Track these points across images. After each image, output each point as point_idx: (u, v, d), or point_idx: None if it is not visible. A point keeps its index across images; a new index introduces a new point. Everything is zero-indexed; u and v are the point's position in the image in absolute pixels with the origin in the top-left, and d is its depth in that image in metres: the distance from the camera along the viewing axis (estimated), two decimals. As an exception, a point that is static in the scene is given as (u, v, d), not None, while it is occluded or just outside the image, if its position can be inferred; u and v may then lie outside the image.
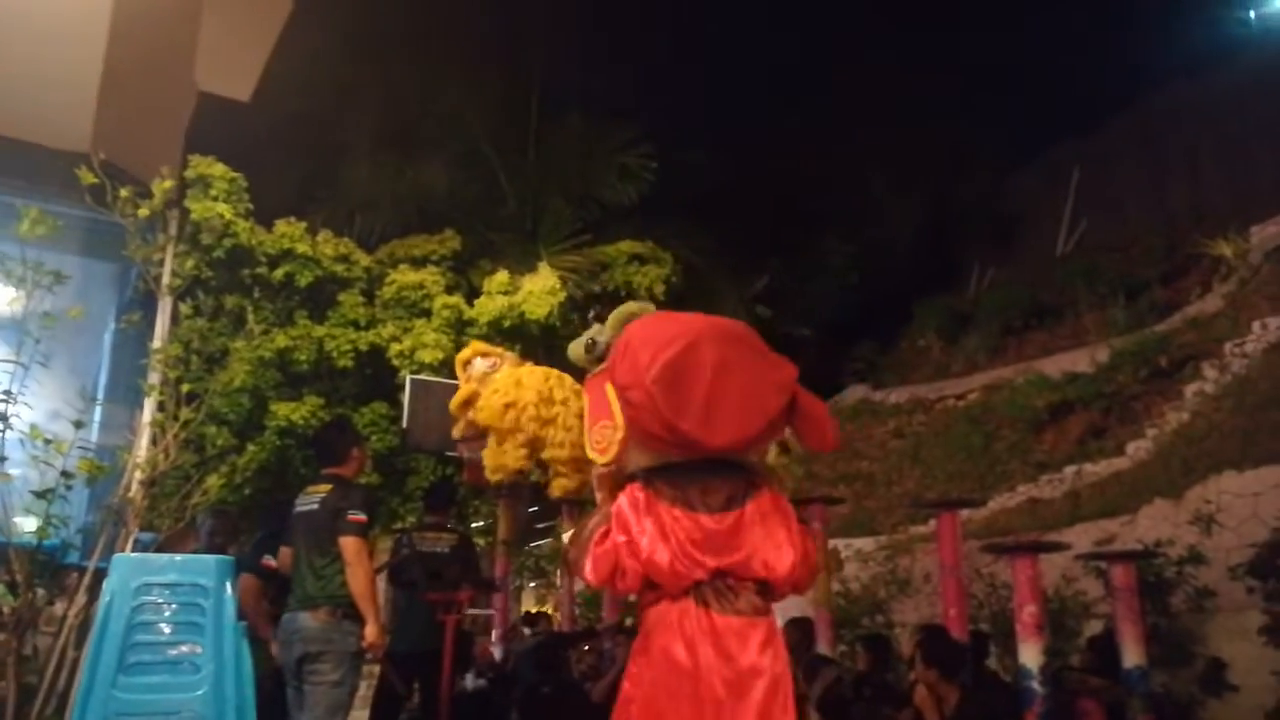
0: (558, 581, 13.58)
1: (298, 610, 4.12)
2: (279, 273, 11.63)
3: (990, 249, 20.25)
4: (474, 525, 13.12)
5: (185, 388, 3.68)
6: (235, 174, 11.08)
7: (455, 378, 11.66)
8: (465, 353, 8.28)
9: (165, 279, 3.95)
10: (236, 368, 10.07)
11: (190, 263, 6.80)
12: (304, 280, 11.77)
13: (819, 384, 18.62)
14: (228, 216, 10.79)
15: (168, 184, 3.66)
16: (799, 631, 6.49)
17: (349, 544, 3.97)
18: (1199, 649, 6.89)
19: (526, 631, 9.60)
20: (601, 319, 5.15)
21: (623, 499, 2.97)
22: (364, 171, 14.29)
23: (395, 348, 11.92)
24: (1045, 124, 19.58)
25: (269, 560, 4.63)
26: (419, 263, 13.16)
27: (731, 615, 2.82)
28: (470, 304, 12.75)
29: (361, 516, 4.05)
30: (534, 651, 6.49)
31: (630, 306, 5.96)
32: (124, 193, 3.49)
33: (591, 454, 3.45)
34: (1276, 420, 8.87)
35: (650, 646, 2.88)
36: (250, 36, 7.28)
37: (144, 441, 3.87)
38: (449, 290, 12.71)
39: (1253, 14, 17.92)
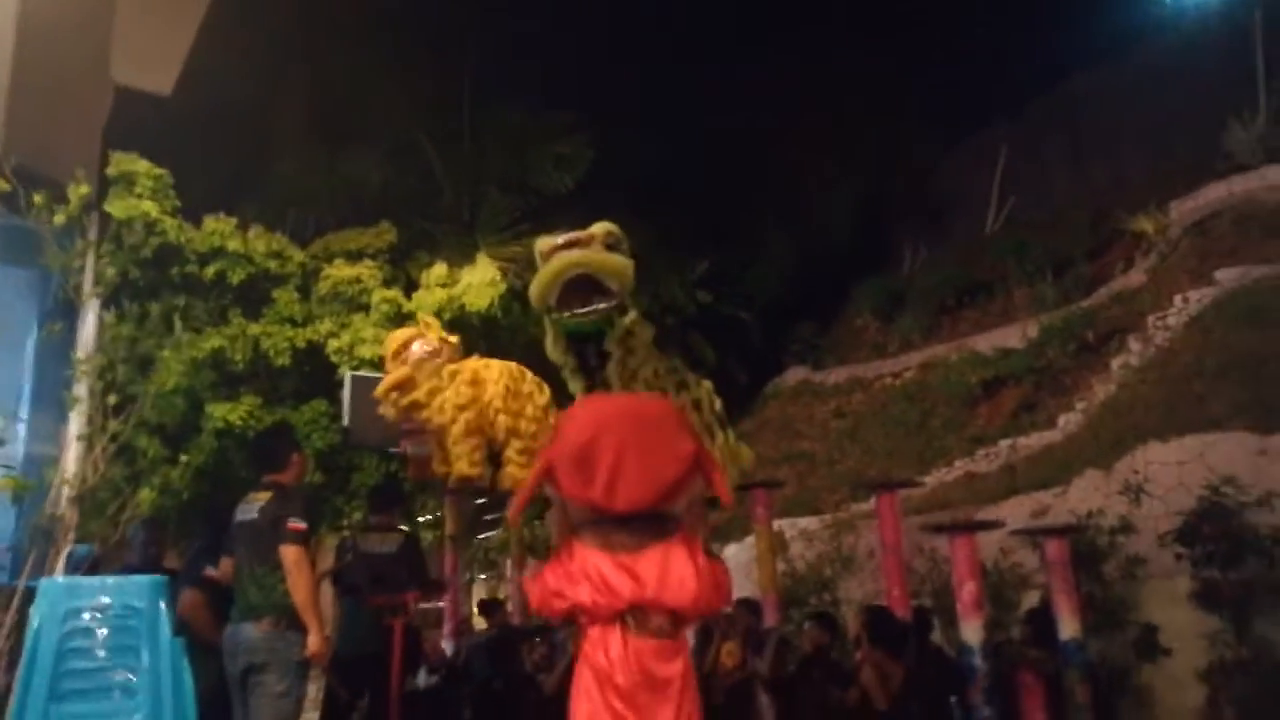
0: (508, 573, 13.57)
1: (241, 621, 4.07)
2: (210, 270, 11.31)
3: (922, 230, 20.66)
4: (420, 520, 13.02)
5: (112, 399, 3.58)
6: (160, 170, 10.73)
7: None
8: (400, 334, 7.70)
9: (86, 286, 3.83)
10: (169, 370, 9.82)
11: (112, 269, 6.60)
12: (236, 277, 11.47)
13: (760, 366, 18.91)
14: (154, 214, 10.46)
15: (84, 189, 3.56)
16: (747, 610, 6.59)
17: (289, 553, 3.93)
18: (1132, 616, 7.16)
19: (483, 622, 9.54)
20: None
21: (562, 544, 3.79)
22: (295, 164, 13.98)
23: (333, 344, 11.70)
24: (973, 108, 19.97)
25: (210, 571, 4.55)
26: (355, 257, 12.92)
27: (647, 637, 3.53)
28: (409, 297, 12.60)
29: (301, 525, 4.01)
30: (486, 646, 6.49)
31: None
32: (38, 199, 3.38)
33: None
34: (1198, 391, 9.21)
35: (587, 657, 3.62)
36: (169, 27, 7.07)
37: (71, 456, 3.77)
38: (386, 284, 12.52)
39: (1168, -1, 18.43)
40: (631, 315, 4.66)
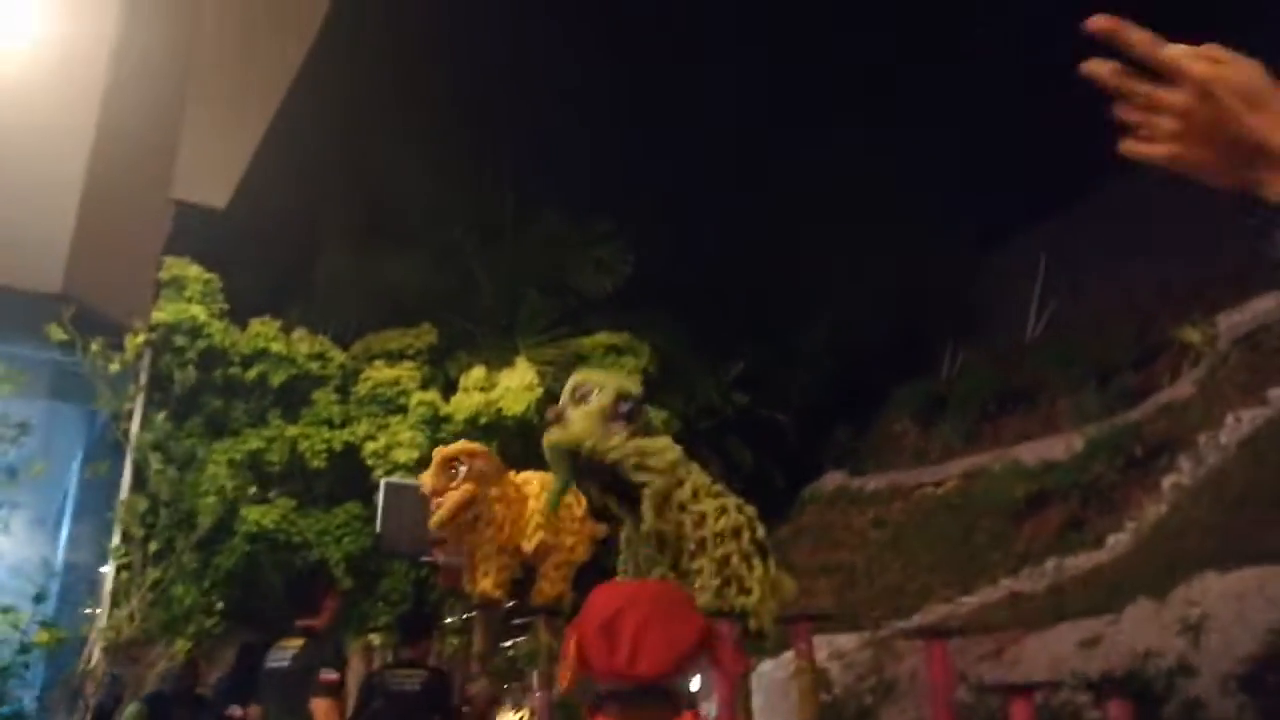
0: (534, 683, 13.22)
1: None
2: (252, 373, 11.50)
3: (961, 333, 20.50)
4: (448, 620, 12.81)
5: (153, 546, 3.54)
6: (209, 275, 11.02)
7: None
8: (446, 450, 8.19)
9: (134, 430, 3.84)
10: (213, 470, 9.90)
11: (161, 415, 6.68)
12: (277, 379, 11.64)
13: (797, 469, 18.63)
14: (202, 318, 10.69)
15: (140, 338, 3.57)
16: None
17: (319, 706, 3.84)
18: (1192, 765, 6.77)
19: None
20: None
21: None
22: (340, 267, 14.28)
23: (370, 446, 11.74)
24: (1013, 209, 20.00)
25: (235, 711, 4.45)
26: (395, 357, 13.07)
27: None
28: (446, 398, 12.66)
29: (334, 676, 3.93)
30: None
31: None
32: (95, 346, 3.40)
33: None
34: (1253, 518, 8.89)
35: None
36: (230, 143, 7.24)
37: (106, 608, 3.71)
38: (424, 385, 12.61)
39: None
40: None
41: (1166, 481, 11.28)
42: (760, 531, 6.71)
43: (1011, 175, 19.91)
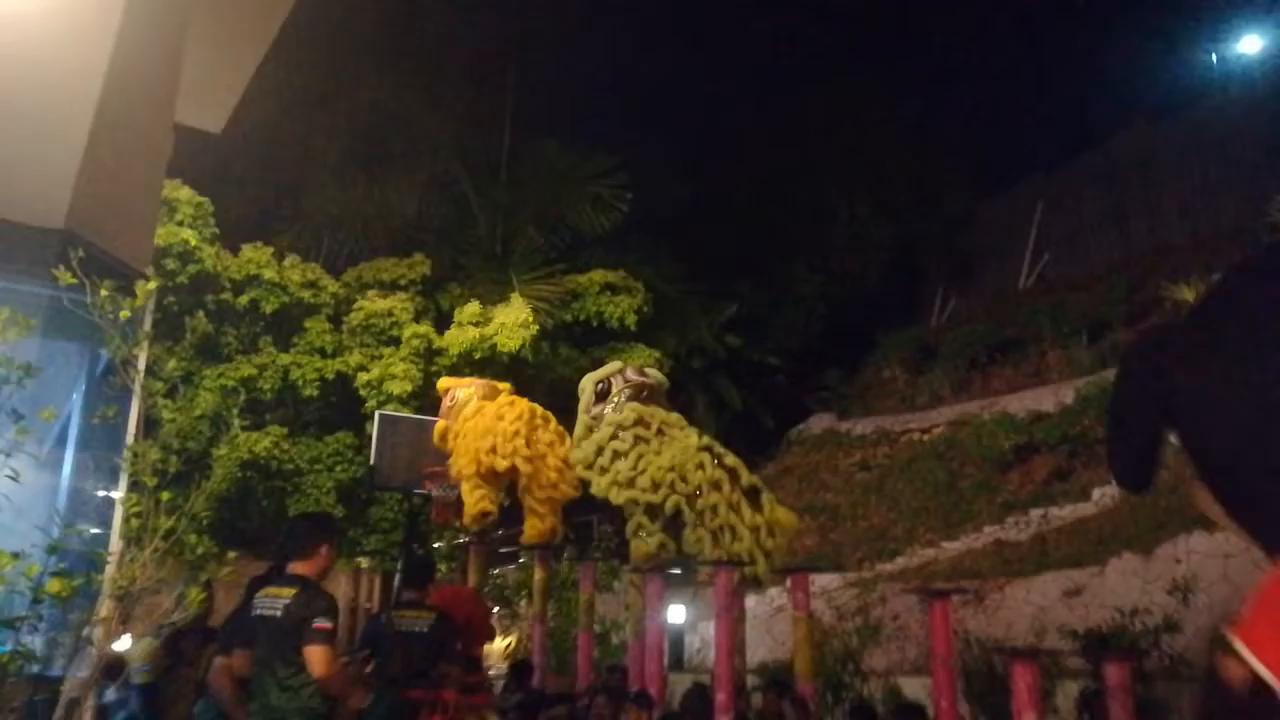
0: (521, 611, 13.41)
1: None
2: (244, 299, 11.34)
3: (953, 281, 20.48)
4: (436, 546, 12.89)
5: (165, 496, 3.46)
6: (202, 199, 10.78)
7: (424, 410, 11.51)
8: (446, 381, 8.95)
9: (140, 377, 3.73)
10: (204, 396, 9.79)
11: (172, 362, 6.55)
12: (270, 306, 11.49)
13: (786, 411, 18.67)
14: (193, 242, 10.48)
15: (152, 284, 3.44)
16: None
17: (316, 653, 3.79)
18: None
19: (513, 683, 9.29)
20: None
21: None
22: (332, 192, 13.99)
23: (363, 377, 11.67)
24: (1011, 160, 19.90)
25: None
26: (388, 287, 12.92)
27: None
28: (439, 329, 12.55)
29: (328, 624, 3.86)
30: (510, 714, 6.33)
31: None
32: (104, 291, 3.27)
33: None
34: (1243, 478, 8.98)
35: None
36: (229, 67, 7.00)
37: (115, 560, 3.64)
38: (418, 317, 12.49)
39: (1215, 61, 18.29)
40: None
41: (1155, 438, 11.38)
42: (746, 478, 6.79)
43: (1011, 126, 19.74)
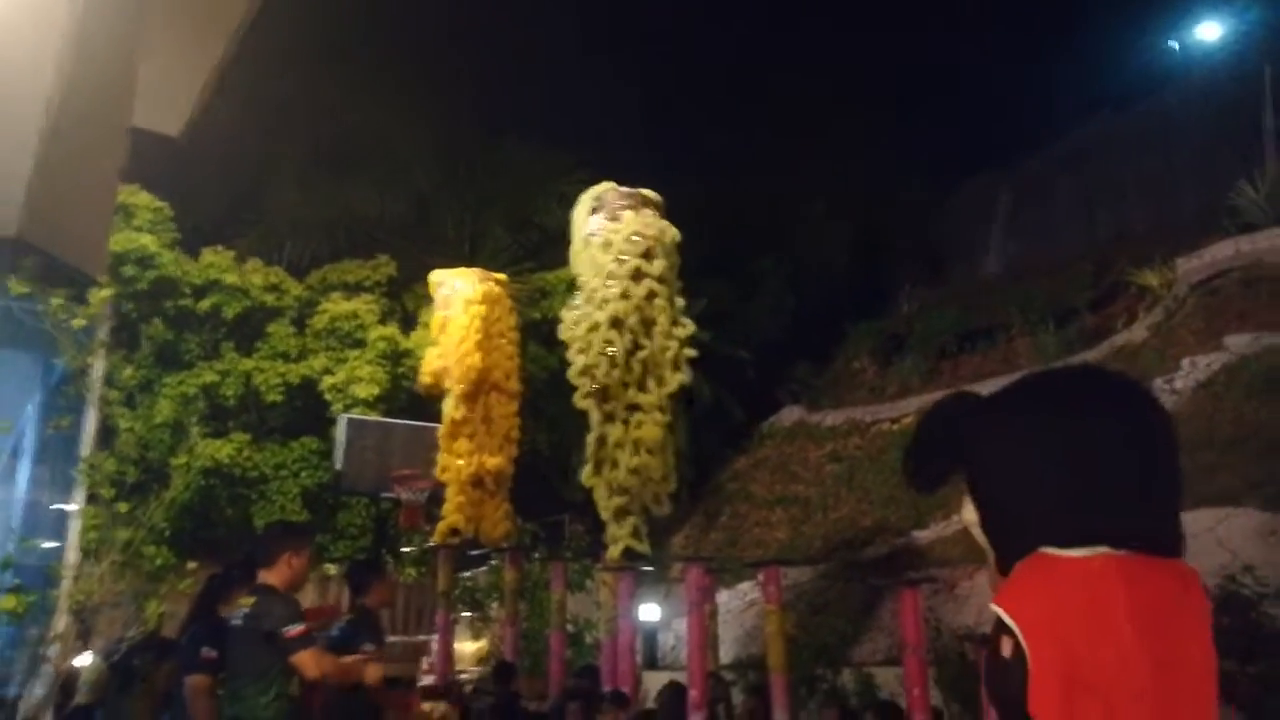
0: (493, 614, 13.32)
1: None
2: (205, 304, 11.16)
3: (920, 271, 20.58)
4: (405, 551, 12.76)
5: (123, 508, 3.37)
6: (160, 204, 10.59)
7: (390, 413, 11.39)
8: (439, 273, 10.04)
9: (97, 387, 3.64)
10: (164, 405, 9.63)
11: (129, 370, 6.42)
12: (231, 311, 11.31)
13: (756, 404, 18.68)
14: (152, 248, 10.30)
15: (105, 292, 3.35)
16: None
17: (302, 660, 3.72)
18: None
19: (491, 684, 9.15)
20: None
21: None
22: (294, 195, 13.80)
23: (328, 380, 11.52)
24: (975, 150, 20.01)
25: (208, 652, 4.34)
26: (352, 289, 12.77)
27: None
28: (405, 331, 12.42)
29: (298, 628, 3.77)
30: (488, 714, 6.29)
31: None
32: (56, 300, 3.17)
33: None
34: (1208, 462, 9.07)
35: None
36: (186, 68, 6.88)
37: (72, 574, 3.55)
38: (383, 319, 12.35)
39: (1177, 49, 18.48)
40: None
41: (1120, 424, 11.47)
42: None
43: (978, 115, 19.85)
